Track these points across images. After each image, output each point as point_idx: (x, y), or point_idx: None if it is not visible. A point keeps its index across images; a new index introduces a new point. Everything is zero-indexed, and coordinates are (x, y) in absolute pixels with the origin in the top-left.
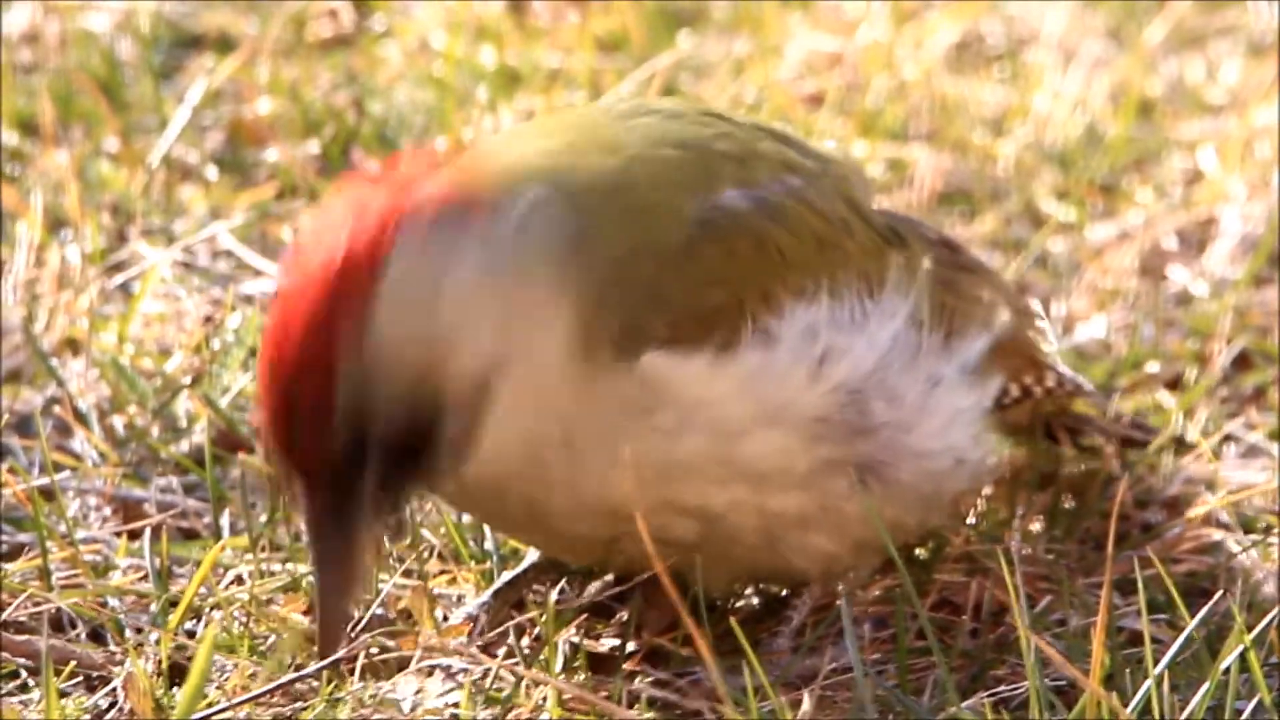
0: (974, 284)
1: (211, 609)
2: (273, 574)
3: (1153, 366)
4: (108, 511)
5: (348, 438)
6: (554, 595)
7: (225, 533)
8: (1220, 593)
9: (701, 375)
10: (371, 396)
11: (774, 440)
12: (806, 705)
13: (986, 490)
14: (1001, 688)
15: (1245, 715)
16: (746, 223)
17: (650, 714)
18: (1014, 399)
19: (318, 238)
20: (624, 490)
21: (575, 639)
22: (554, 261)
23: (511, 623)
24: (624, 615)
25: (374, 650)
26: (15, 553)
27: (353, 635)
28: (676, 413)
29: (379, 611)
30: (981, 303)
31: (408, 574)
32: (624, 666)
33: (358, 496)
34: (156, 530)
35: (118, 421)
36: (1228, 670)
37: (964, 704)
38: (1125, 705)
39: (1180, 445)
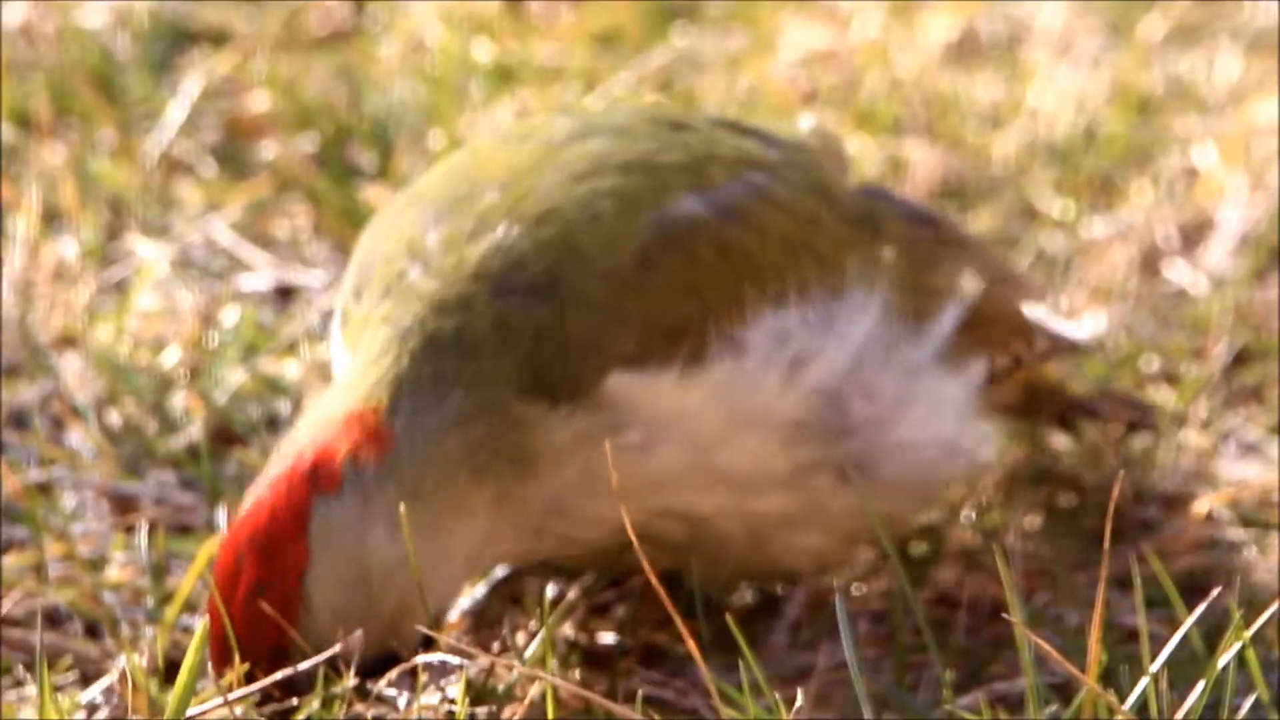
0: (953, 259)
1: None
2: None
3: (1150, 363)
4: (103, 506)
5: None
6: (550, 591)
7: (221, 527)
8: (1218, 589)
9: (672, 390)
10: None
11: (751, 446)
12: (802, 702)
13: (983, 486)
14: (998, 684)
15: (1243, 712)
16: (705, 228)
17: (646, 711)
18: (1005, 369)
19: (239, 539)
20: (612, 510)
21: (572, 635)
22: (463, 436)
23: (507, 618)
24: (620, 612)
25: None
26: (10, 547)
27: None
28: (646, 429)
29: None
30: (954, 278)
31: None
32: (620, 663)
33: None
34: (152, 525)
35: (114, 416)
36: (1225, 667)
37: (960, 700)
38: (1122, 702)
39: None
